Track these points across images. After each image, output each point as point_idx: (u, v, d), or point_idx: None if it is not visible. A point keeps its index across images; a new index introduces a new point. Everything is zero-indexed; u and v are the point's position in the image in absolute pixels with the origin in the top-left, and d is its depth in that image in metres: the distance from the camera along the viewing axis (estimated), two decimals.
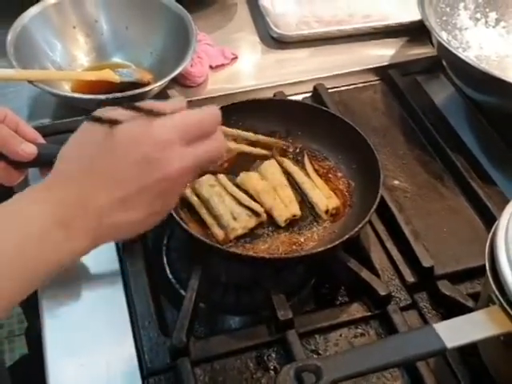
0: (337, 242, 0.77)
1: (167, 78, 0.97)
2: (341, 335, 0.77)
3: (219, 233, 0.81)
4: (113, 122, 0.58)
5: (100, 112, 0.59)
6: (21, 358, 1.52)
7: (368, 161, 0.86)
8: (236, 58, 1.14)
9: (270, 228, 0.84)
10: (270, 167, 0.89)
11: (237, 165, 0.90)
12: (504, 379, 0.70)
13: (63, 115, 1.01)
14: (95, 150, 0.58)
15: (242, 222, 0.82)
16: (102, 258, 0.83)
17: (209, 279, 0.81)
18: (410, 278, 0.82)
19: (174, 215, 0.78)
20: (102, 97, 0.94)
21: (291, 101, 1.01)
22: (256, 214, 0.83)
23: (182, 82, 1.07)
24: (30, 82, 0.93)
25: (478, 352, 0.73)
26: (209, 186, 0.85)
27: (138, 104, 0.59)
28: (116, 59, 1.10)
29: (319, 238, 0.83)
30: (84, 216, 0.57)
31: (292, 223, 0.84)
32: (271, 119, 0.94)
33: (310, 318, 0.78)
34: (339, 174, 0.91)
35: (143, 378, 0.73)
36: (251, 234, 0.83)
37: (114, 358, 0.75)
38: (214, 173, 0.88)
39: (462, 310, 0.75)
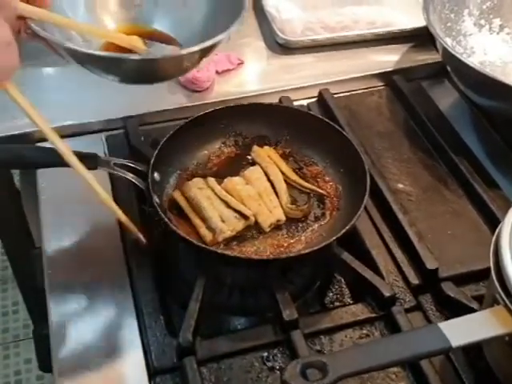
0: (322, 245, 0.77)
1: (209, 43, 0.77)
2: (346, 336, 0.78)
3: (207, 234, 0.82)
4: None
5: None
6: None
7: (355, 164, 0.87)
8: (242, 63, 1.14)
9: (259, 231, 0.84)
10: (255, 172, 0.89)
11: (226, 168, 0.91)
12: (509, 380, 0.70)
13: None
14: None
15: (231, 225, 0.82)
16: (110, 259, 0.84)
17: (215, 280, 0.82)
18: (414, 279, 0.82)
19: (162, 216, 0.78)
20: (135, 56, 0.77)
21: (278, 105, 1.01)
22: (244, 216, 0.83)
23: (188, 87, 1.08)
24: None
25: (483, 354, 0.73)
26: (197, 188, 0.85)
27: None
28: (157, 27, 0.90)
29: (306, 240, 0.84)
30: None
31: (280, 226, 0.85)
32: (259, 124, 0.94)
33: (315, 319, 0.79)
34: (327, 178, 0.91)
35: (150, 376, 0.73)
36: (239, 237, 0.83)
37: (122, 357, 0.75)
38: (203, 176, 0.88)
39: (466, 311, 0.74)
